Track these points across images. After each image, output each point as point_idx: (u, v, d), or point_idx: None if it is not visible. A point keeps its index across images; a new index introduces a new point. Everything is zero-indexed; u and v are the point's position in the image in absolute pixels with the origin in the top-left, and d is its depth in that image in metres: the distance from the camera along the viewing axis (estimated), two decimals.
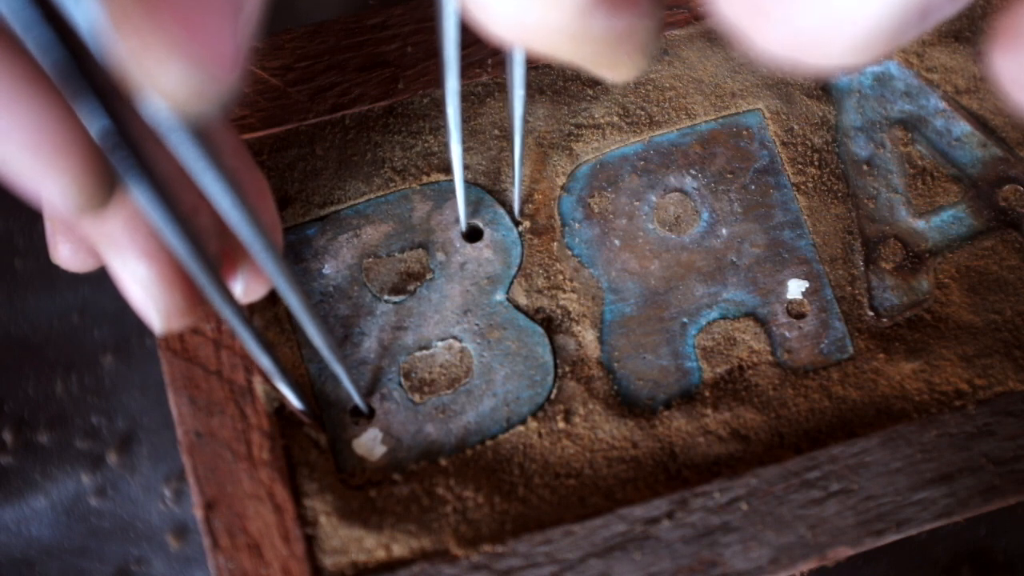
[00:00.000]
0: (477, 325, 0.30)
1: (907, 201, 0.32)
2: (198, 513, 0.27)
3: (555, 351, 0.30)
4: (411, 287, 0.30)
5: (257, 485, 0.27)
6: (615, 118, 0.32)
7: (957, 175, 0.32)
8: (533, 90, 0.32)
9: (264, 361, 0.25)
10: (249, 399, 0.28)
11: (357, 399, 0.29)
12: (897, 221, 0.32)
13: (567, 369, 0.30)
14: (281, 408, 0.29)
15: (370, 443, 0.29)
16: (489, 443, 0.29)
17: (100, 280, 0.35)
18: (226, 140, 0.22)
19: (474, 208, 0.31)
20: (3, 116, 0.15)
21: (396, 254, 0.31)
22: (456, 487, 0.28)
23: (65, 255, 0.23)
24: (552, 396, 0.29)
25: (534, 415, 0.29)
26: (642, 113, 0.32)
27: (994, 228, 0.31)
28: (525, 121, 0.31)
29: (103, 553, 0.32)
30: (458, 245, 0.31)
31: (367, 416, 0.29)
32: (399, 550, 0.27)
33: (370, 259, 0.31)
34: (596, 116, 0.32)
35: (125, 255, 0.20)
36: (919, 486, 0.28)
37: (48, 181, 0.15)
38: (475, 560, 0.27)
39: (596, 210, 0.31)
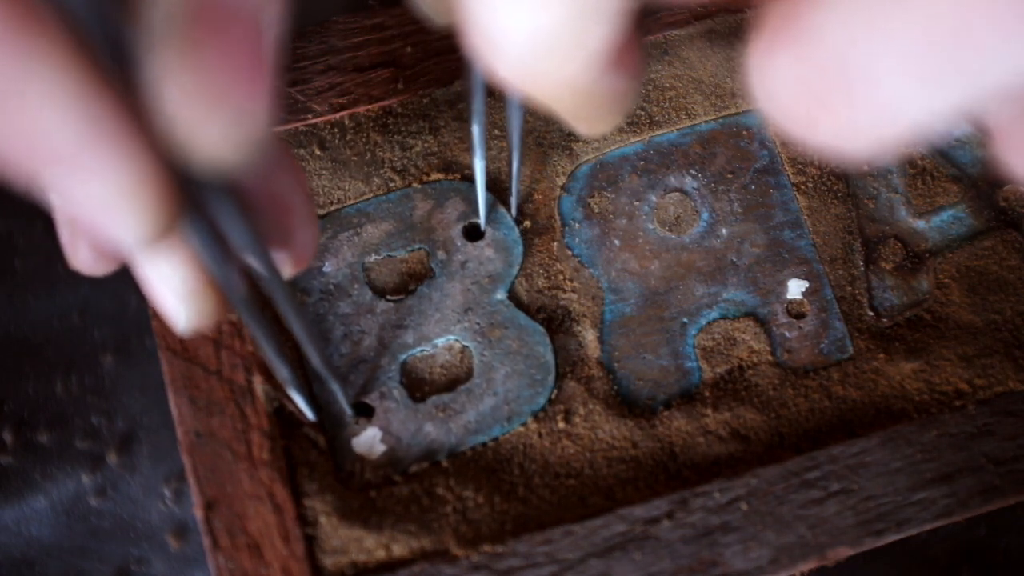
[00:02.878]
0: (478, 324, 0.30)
1: (907, 201, 0.32)
2: (198, 513, 0.27)
3: (556, 350, 0.30)
4: (412, 285, 0.30)
5: (257, 485, 0.27)
6: None
7: (957, 175, 0.32)
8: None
9: (282, 371, 0.25)
10: (249, 399, 0.28)
11: (347, 409, 0.29)
12: (897, 221, 0.32)
13: (567, 369, 0.30)
14: (281, 408, 0.29)
15: (369, 442, 0.29)
16: (489, 443, 0.29)
17: (100, 280, 0.35)
18: (275, 159, 0.22)
19: (475, 207, 0.31)
20: (97, 155, 0.14)
21: (397, 252, 0.31)
22: (456, 487, 0.28)
23: (86, 260, 0.23)
24: (553, 396, 0.29)
25: (535, 415, 0.29)
26: (642, 113, 0.32)
27: (994, 228, 0.31)
28: (525, 122, 0.31)
29: (103, 553, 0.32)
30: (459, 244, 0.31)
31: (366, 415, 0.29)
32: (399, 550, 0.27)
33: (371, 257, 0.31)
34: None
35: (159, 260, 0.20)
36: (919, 486, 0.28)
37: (124, 219, 0.15)
38: (475, 560, 0.27)
39: (596, 210, 0.31)
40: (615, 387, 0.30)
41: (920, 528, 0.27)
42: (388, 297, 0.30)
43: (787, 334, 0.30)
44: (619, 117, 0.18)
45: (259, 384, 0.28)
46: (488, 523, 0.28)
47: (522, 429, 0.29)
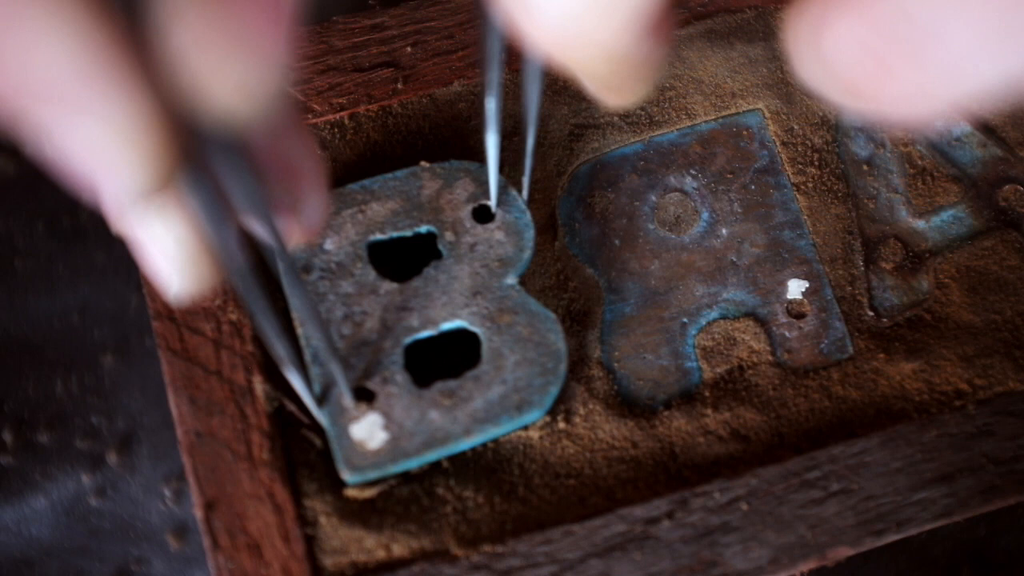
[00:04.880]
0: (487, 308, 0.29)
1: (907, 201, 0.32)
2: (198, 513, 0.27)
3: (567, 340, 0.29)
4: (418, 266, 0.29)
5: (257, 485, 0.27)
6: (615, 118, 0.32)
7: (957, 175, 0.32)
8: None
9: (280, 349, 0.24)
10: (249, 399, 0.28)
11: (347, 394, 0.28)
12: (897, 221, 0.32)
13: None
14: (281, 408, 0.29)
15: (369, 429, 0.28)
16: (489, 444, 0.29)
17: (100, 280, 0.35)
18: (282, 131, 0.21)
19: (486, 188, 0.30)
20: (92, 95, 0.13)
21: (403, 232, 0.29)
22: (456, 487, 0.28)
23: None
24: (564, 385, 0.29)
25: (547, 412, 0.28)
26: (642, 113, 0.32)
27: (994, 228, 0.32)
28: (542, 97, 0.30)
29: (103, 553, 0.32)
30: (468, 225, 0.29)
31: (367, 400, 0.28)
32: (399, 550, 0.27)
33: (375, 236, 0.29)
34: (596, 116, 0.32)
35: (153, 219, 0.19)
36: (919, 486, 0.28)
37: (120, 166, 0.14)
38: (475, 560, 0.27)
39: (596, 210, 0.31)
40: (615, 387, 0.30)
41: (920, 528, 0.27)
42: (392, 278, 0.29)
43: (787, 334, 0.30)
44: (648, 87, 0.17)
45: (259, 384, 0.28)
46: (488, 523, 0.28)
47: (522, 432, 0.29)
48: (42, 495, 0.33)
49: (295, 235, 0.21)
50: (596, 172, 0.32)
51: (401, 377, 0.28)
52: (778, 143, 0.32)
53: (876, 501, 0.27)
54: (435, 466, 0.28)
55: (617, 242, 0.31)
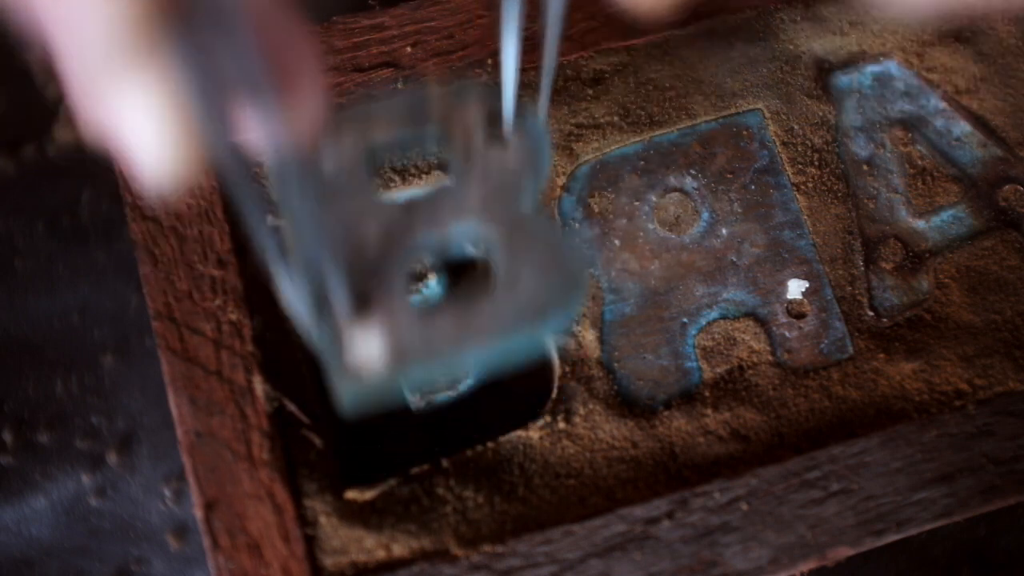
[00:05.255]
0: (499, 233, 0.27)
1: (907, 201, 0.32)
2: (198, 513, 0.27)
3: (584, 263, 0.27)
4: (424, 188, 0.28)
5: (257, 485, 0.27)
6: (615, 118, 0.32)
7: (957, 175, 0.32)
8: (532, 89, 0.32)
9: (271, 252, 0.22)
10: (249, 399, 0.28)
11: (344, 313, 0.25)
12: (897, 221, 0.32)
13: (567, 369, 0.30)
14: (281, 408, 0.29)
15: (367, 344, 0.26)
16: (489, 444, 0.29)
17: (100, 280, 0.35)
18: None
19: (498, 109, 0.28)
20: None
21: (409, 153, 0.28)
22: (456, 487, 0.28)
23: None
24: (583, 310, 0.27)
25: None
26: (642, 113, 0.32)
27: (994, 228, 0.31)
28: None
29: (103, 553, 0.32)
30: (480, 148, 0.28)
31: (367, 322, 0.26)
32: (399, 550, 0.27)
33: (379, 157, 0.28)
34: (596, 116, 0.32)
35: (134, 88, 0.16)
36: (919, 486, 0.28)
37: (95, 14, 0.12)
38: (475, 560, 0.27)
39: (596, 210, 0.31)
40: (615, 387, 0.30)
41: (920, 528, 0.27)
42: (396, 200, 0.27)
43: (787, 334, 0.30)
44: None
45: (259, 384, 0.28)
46: (488, 523, 0.28)
47: (522, 432, 0.29)
48: (42, 495, 0.33)
49: (291, 129, 0.19)
50: (596, 172, 0.32)
51: (405, 301, 0.26)
52: (778, 143, 0.32)
53: (876, 501, 0.27)
54: (435, 466, 0.28)
55: (617, 242, 0.31)
